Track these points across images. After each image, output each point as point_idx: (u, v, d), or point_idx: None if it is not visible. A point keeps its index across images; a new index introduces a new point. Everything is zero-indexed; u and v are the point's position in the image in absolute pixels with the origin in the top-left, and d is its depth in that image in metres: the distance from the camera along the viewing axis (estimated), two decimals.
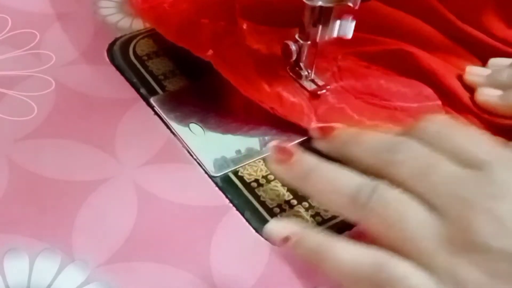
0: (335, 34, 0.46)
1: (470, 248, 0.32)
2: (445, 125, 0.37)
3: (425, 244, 0.33)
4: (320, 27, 0.46)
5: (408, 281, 0.33)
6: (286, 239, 0.36)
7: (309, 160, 0.38)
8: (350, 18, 0.46)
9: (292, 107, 0.47)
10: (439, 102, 0.49)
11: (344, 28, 0.46)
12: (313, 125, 0.42)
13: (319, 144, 0.41)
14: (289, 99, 0.47)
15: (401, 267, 0.33)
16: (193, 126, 0.46)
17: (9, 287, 0.37)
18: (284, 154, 0.39)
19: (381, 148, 0.37)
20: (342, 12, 0.45)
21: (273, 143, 0.40)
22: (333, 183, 0.37)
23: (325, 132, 0.41)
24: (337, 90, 0.49)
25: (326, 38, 0.46)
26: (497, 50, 0.51)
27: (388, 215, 0.34)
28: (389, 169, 0.36)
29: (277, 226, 0.37)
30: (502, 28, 0.51)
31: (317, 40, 0.46)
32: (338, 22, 0.46)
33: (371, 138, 0.38)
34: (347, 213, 0.36)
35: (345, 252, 0.34)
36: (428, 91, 0.49)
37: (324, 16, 0.46)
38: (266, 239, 0.40)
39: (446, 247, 0.33)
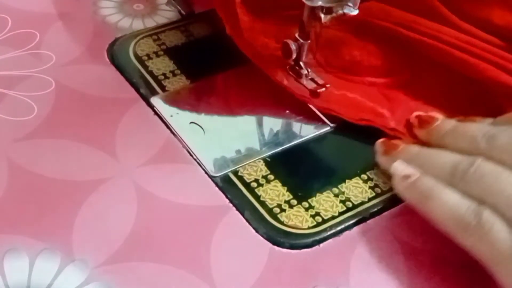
0: (341, 11, 0.46)
1: None
2: None
3: None
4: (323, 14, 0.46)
5: (491, 226, 0.37)
6: (406, 177, 0.41)
7: (411, 148, 0.44)
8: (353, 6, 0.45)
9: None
10: (407, 76, 0.50)
11: (348, 11, 0.45)
12: (394, 125, 0.47)
13: (419, 133, 0.46)
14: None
15: (490, 217, 0.37)
16: (193, 126, 0.46)
17: (9, 287, 0.37)
18: (390, 146, 0.45)
19: (478, 138, 0.42)
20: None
21: (380, 140, 0.45)
22: (435, 161, 0.42)
23: (425, 122, 0.46)
24: (310, 63, 0.49)
25: (335, 13, 0.46)
26: (493, 44, 0.50)
27: (484, 185, 0.39)
28: (490, 155, 0.40)
29: (402, 166, 0.42)
30: (503, 15, 0.50)
31: (322, 20, 0.46)
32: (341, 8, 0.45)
33: (467, 129, 0.43)
34: (451, 184, 0.40)
35: (450, 195, 0.39)
36: (399, 64, 0.50)
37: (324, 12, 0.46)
38: (271, 242, 0.40)
39: None
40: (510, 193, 0.38)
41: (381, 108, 0.48)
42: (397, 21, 0.51)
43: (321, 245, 0.41)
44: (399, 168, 0.43)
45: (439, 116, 0.46)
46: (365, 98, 0.49)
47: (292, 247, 0.40)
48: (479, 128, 0.42)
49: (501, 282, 0.37)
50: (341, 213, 0.42)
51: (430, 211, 0.40)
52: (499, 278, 0.37)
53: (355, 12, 0.45)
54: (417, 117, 0.46)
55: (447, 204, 0.39)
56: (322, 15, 0.45)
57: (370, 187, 0.44)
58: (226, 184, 0.43)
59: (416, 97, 0.50)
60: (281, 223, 0.41)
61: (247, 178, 0.44)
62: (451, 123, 0.45)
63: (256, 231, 0.41)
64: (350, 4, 0.44)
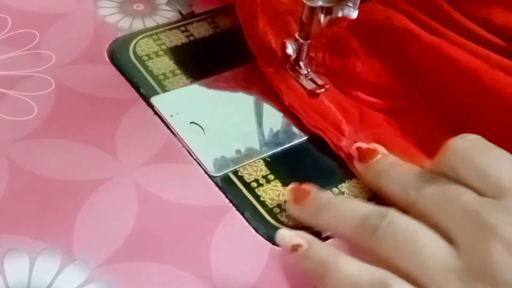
0: (339, 14, 0.46)
1: (482, 279, 0.32)
2: (468, 148, 0.37)
3: (437, 273, 0.33)
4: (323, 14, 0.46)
5: None
6: (295, 247, 0.36)
7: (323, 195, 0.40)
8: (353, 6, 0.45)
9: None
10: (399, 104, 0.49)
11: (348, 12, 0.45)
12: (352, 145, 0.44)
13: (358, 167, 0.43)
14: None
15: (399, 286, 0.33)
16: (193, 126, 0.46)
17: (9, 287, 0.37)
18: (300, 193, 0.40)
19: (409, 183, 0.38)
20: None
21: (290, 185, 0.41)
22: (342, 215, 0.38)
23: (364, 155, 0.42)
24: (311, 62, 0.49)
25: (333, 16, 0.46)
26: (493, 43, 0.50)
27: (398, 243, 0.34)
28: (417, 204, 0.37)
29: (288, 234, 0.37)
30: (503, 14, 0.50)
31: (321, 22, 0.46)
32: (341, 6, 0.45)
33: (402, 173, 0.40)
34: (358, 243, 0.36)
35: (350, 266, 0.35)
36: (399, 88, 0.49)
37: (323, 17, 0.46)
38: (271, 242, 0.40)
39: (458, 277, 0.32)
40: (425, 259, 0.33)
41: (346, 125, 0.47)
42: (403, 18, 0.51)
43: None
44: (285, 237, 0.37)
45: (380, 150, 0.42)
46: (339, 111, 0.48)
47: None
48: (412, 174, 0.39)
49: None
50: None
51: (329, 287, 0.35)
52: None
53: (355, 13, 0.45)
54: (357, 148, 0.43)
55: (347, 277, 0.34)
56: (322, 16, 0.45)
57: (370, 187, 0.44)
58: (226, 184, 0.43)
59: (395, 126, 0.48)
60: (281, 223, 0.41)
61: (247, 178, 0.44)
62: (388, 160, 0.41)
63: (256, 231, 0.41)
64: (350, 4, 0.44)
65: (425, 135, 0.47)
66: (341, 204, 0.39)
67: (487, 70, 0.46)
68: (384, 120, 0.48)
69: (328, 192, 0.41)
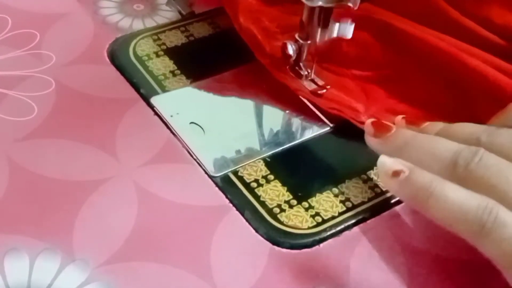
0: (335, 34, 0.46)
1: None
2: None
3: None
4: (320, 29, 0.46)
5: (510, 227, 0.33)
6: (397, 173, 0.36)
7: (406, 132, 0.40)
8: (349, 20, 0.46)
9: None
10: (391, 72, 0.49)
11: (344, 29, 0.46)
12: (367, 120, 0.43)
13: (372, 142, 0.41)
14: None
15: (508, 215, 0.34)
16: (193, 126, 0.46)
17: (9, 287, 0.37)
18: (380, 128, 0.40)
19: (474, 136, 0.38)
20: (340, 15, 0.46)
21: (369, 119, 0.41)
22: (432, 150, 0.38)
23: (380, 130, 0.41)
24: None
25: (326, 38, 0.47)
26: (492, 42, 0.50)
27: (491, 176, 0.35)
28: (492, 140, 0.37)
29: (390, 160, 0.37)
30: (502, 14, 0.50)
31: (317, 41, 0.47)
32: (337, 24, 0.46)
33: (436, 143, 0.39)
34: (449, 177, 0.36)
35: (456, 191, 0.35)
36: (385, 58, 0.49)
37: (323, 17, 0.46)
38: (271, 242, 0.40)
39: None
40: None
41: (356, 103, 0.48)
42: (395, 18, 0.51)
43: (321, 245, 0.41)
44: (386, 163, 0.38)
45: (393, 125, 0.41)
46: (343, 92, 0.48)
47: (292, 247, 0.40)
48: (472, 129, 0.39)
49: None
50: (341, 213, 0.42)
51: (432, 211, 0.36)
52: None
53: (351, 29, 0.45)
54: (372, 123, 0.42)
55: (454, 201, 0.35)
56: (318, 33, 0.46)
57: (370, 187, 0.44)
58: (226, 184, 0.43)
59: (396, 94, 0.49)
60: (281, 223, 0.41)
61: (247, 178, 0.44)
62: (407, 133, 0.40)
63: (256, 231, 0.41)
64: (350, 4, 0.44)
65: (427, 97, 0.48)
66: (429, 139, 0.39)
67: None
68: (384, 91, 0.49)
69: (409, 130, 0.40)
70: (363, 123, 0.45)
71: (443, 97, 0.48)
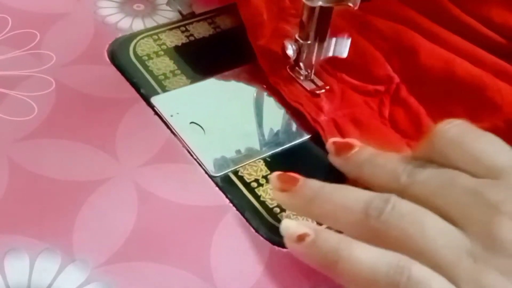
0: (330, 54, 0.47)
1: (494, 254, 0.32)
2: (458, 134, 0.36)
3: (447, 253, 0.32)
4: (316, 45, 0.46)
5: (428, 284, 0.32)
6: (302, 237, 0.35)
7: (313, 183, 0.38)
8: (346, 36, 0.46)
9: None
10: (381, 88, 0.49)
11: (340, 46, 0.46)
12: (329, 139, 0.41)
13: (335, 161, 0.40)
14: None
15: (422, 271, 0.32)
16: (193, 126, 0.46)
17: (9, 287, 0.37)
18: (287, 182, 0.38)
19: (399, 170, 0.36)
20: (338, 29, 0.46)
21: (275, 173, 0.39)
22: (342, 201, 0.36)
23: (341, 149, 0.40)
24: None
25: (322, 57, 0.47)
26: (493, 40, 0.50)
27: (405, 227, 0.33)
28: (410, 190, 0.35)
29: (293, 224, 0.36)
30: (501, 13, 0.50)
31: (313, 61, 0.47)
32: (334, 40, 0.46)
33: (388, 160, 0.38)
34: (360, 230, 0.35)
35: (364, 251, 0.33)
36: (382, 73, 0.49)
37: (323, 17, 0.46)
38: (271, 242, 0.40)
39: (469, 255, 0.32)
40: (434, 240, 0.33)
41: (326, 102, 0.48)
42: (399, 18, 0.51)
43: None
44: (290, 227, 0.36)
45: (357, 143, 0.40)
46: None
47: None
48: (399, 161, 0.37)
49: None
50: None
51: (343, 276, 0.33)
52: None
53: (346, 48, 0.46)
54: (334, 143, 0.40)
55: (363, 263, 0.33)
56: (315, 51, 0.46)
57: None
58: (226, 184, 0.43)
59: (374, 109, 0.49)
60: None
61: (247, 178, 0.44)
62: (368, 151, 0.39)
63: (256, 231, 0.41)
64: (350, 4, 0.44)
65: (403, 119, 0.48)
66: (337, 191, 0.37)
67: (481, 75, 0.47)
68: (364, 102, 0.49)
69: (315, 180, 0.38)
70: (316, 122, 0.46)
71: (422, 124, 0.47)
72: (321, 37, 0.46)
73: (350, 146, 0.39)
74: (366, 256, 0.33)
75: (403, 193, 0.36)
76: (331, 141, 0.40)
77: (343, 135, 0.45)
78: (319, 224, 0.38)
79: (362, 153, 0.39)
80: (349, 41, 0.46)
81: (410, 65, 0.49)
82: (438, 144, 0.36)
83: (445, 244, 0.33)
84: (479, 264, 0.32)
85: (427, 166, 0.36)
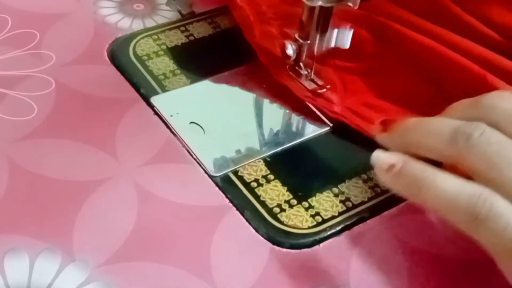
0: (332, 44, 0.47)
1: None
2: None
3: None
4: (318, 36, 0.46)
5: (507, 217, 0.33)
6: (391, 167, 0.36)
7: (409, 119, 0.39)
8: (348, 26, 0.46)
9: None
10: (374, 64, 0.50)
11: (342, 37, 0.46)
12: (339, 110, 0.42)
13: (382, 139, 0.41)
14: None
15: (502, 203, 0.33)
16: (193, 126, 0.46)
17: (9, 287, 0.37)
18: (387, 122, 0.40)
19: (451, 131, 0.37)
20: (340, 17, 0.46)
21: (378, 120, 0.41)
22: (431, 129, 0.37)
23: (386, 125, 0.40)
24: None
25: (324, 48, 0.47)
26: (492, 39, 0.50)
27: (491, 155, 0.34)
28: (490, 115, 0.36)
29: (383, 155, 0.37)
30: (501, 13, 0.51)
31: (315, 51, 0.47)
32: (335, 30, 0.46)
33: (437, 121, 0.38)
34: (448, 154, 0.36)
35: (448, 181, 0.34)
36: (371, 50, 0.50)
37: (323, 17, 0.46)
38: (271, 242, 0.40)
39: None
40: None
41: (331, 94, 0.48)
42: (395, 17, 0.51)
43: (321, 245, 0.41)
44: (380, 157, 0.37)
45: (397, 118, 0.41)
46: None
47: (292, 247, 0.40)
48: (447, 123, 0.37)
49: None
50: (341, 213, 0.42)
51: (426, 201, 0.35)
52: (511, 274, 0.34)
53: (348, 38, 0.46)
54: (381, 122, 0.41)
55: (446, 191, 0.34)
56: (316, 43, 0.46)
57: (370, 187, 0.44)
58: (226, 184, 0.43)
59: (375, 88, 0.49)
60: (281, 223, 0.41)
61: (247, 178, 0.44)
62: (413, 119, 0.39)
63: (256, 231, 0.41)
64: (350, 4, 0.44)
65: (405, 92, 0.48)
66: (429, 120, 0.38)
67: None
68: (363, 83, 0.49)
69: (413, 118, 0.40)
70: (335, 113, 0.46)
71: (421, 92, 0.48)
72: (322, 31, 0.46)
73: (393, 120, 0.40)
74: (448, 184, 0.34)
75: (463, 152, 0.36)
76: (378, 121, 0.41)
77: (364, 118, 0.46)
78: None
79: (406, 121, 0.39)
80: (351, 32, 0.46)
81: (396, 45, 0.50)
82: (490, 112, 0.36)
83: None
84: None
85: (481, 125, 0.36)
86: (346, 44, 0.47)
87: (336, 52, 0.50)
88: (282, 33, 0.51)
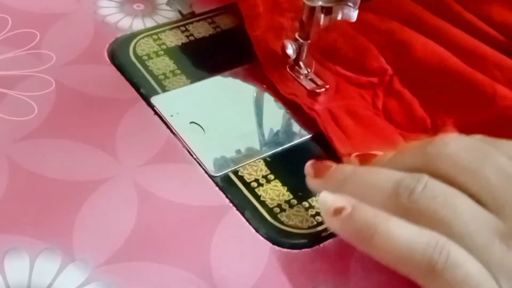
0: (339, 17, 0.46)
1: None
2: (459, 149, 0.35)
3: (480, 238, 0.32)
4: (323, 15, 0.46)
5: (465, 268, 0.31)
6: (338, 210, 0.34)
7: (345, 168, 0.38)
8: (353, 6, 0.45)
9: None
10: (375, 80, 0.50)
11: (348, 12, 0.45)
12: (307, 164, 0.41)
13: (312, 184, 0.40)
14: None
15: (460, 253, 0.32)
16: (193, 126, 0.46)
17: (10, 287, 0.37)
18: (321, 167, 0.38)
19: (393, 185, 0.35)
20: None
21: (309, 162, 0.39)
22: (372, 181, 0.35)
23: (319, 171, 0.39)
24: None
25: (329, 21, 0.46)
26: (493, 38, 0.50)
27: (437, 208, 0.33)
28: (435, 164, 0.35)
29: (331, 197, 0.35)
30: (501, 12, 0.51)
31: (321, 24, 0.46)
32: (342, 7, 0.46)
33: (377, 173, 0.36)
34: (392, 209, 0.34)
35: (401, 228, 0.33)
36: (376, 65, 0.50)
37: (323, 16, 0.46)
38: (271, 242, 0.40)
39: (502, 239, 0.32)
40: (466, 224, 0.32)
41: (320, 94, 0.48)
42: (399, 17, 0.51)
43: (321, 245, 0.41)
44: (327, 200, 0.35)
45: (332, 164, 0.39)
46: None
47: (292, 247, 0.40)
48: (388, 175, 0.36)
49: None
50: None
51: (377, 250, 0.33)
52: None
53: (355, 13, 0.45)
54: (311, 165, 0.39)
55: (400, 239, 0.32)
56: (322, 17, 0.46)
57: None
58: (226, 184, 0.43)
59: (368, 101, 0.49)
60: (281, 223, 0.41)
61: (247, 178, 0.44)
62: (348, 167, 0.38)
63: (256, 231, 0.41)
64: (350, 4, 0.44)
65: (397, 110, 0.48)
66: (369, 172, 0.36)
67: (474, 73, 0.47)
68: (358, 94, 0.49)
69: (348, 165, 0.39)
70: (311, 109, 0.46)
71: (415, 116, 0.48)
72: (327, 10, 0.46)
73: (326, 167, 0.39)
74: (402, 232, 0.33)
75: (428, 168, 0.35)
76: (308, 164, 0.40)
77: (338, 125, 0.46)
78: None
79: (342, 170, 0.38)
80: (356, 11, 0.45)
81: (403, 58, 0.50)
82: (435, 160, 0.35)
83: (477, 228, 0.32)
84: None
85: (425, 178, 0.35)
86: (353, 17, 0.45)
87: (341, 59, 0.50)
88: (292, 26, 0.51)
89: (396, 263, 0.33)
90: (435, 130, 0.47)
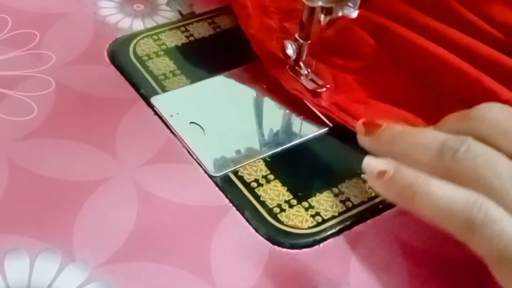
0: (340, 14, 0.46)
1: None
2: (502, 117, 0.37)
3: None
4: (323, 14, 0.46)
5: (502, 224, 0.33)
6: (382, 173, 0.36)
7: (395, 127, 0.39)
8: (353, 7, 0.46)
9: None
10: (369, 64, 0.50)
11: (348, 13, 0.46)
12: (359, 121, 0.42)
13: (364, 141, 0.41)
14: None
15: (498, 211, 0.33)
16: (193, 126, 0.46)
17: (9, 287, 0.37)
18: (372, 125, 0.40)
19: (438, 145, 0.37)
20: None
21: (360, 120, 0.41)
22: (419, 141, 0.37)
23: (370, 128, 0.41)
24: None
25: (329, 18, 0.47)
26: (493, 37, 0.50)
27: (477, 168, 0.35)
28: (478, 127, 0.37)
29: (374, 161, 0.38)
30: (502, 11, 0.51)
31: (322, 22, 0.47)
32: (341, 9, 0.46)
33: (424, 134, 0.38)
34: (435, 168, 0.36)
35: (442, 187, 0.35)
36: (367, 49, 0.50)
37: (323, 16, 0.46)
38: (271, 242, 0.40)
39: None
40: (503, 183, 0.34)
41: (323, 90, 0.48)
42: (398, 15, 0.51)
43: (321, 245, 0.41)
44: (371, 164, 0.38)
45: (382, 122, 0.40)
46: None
47: (292, 247, 0.40)
48: (434, 135, 0.38)
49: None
50: (341, 213, 0.42)
51: (419, 209, 0.35)
52: (504, 281, 0.34)
53: (355, 13, 0.45)
54: (363, 123, 0.41)
55: (440, 198, 0.34)
56: (322, 17, 0.46)
57: (370, 187, 0.44)
58: (226, 184, 0.43)
59: (366, 87, 0.50)
60: (281, 223, 0.41)
61: (247, 178, 0.44)
62: (398, 127, 0.40)
63: (256, 231, 0.41)
64: (350, 4, 0.44)
65: (397, 93, 0.49)
66: (417, 131, 0.38)
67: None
68: (356, 82, 0.50)
69: (397, 124, 0.40)
70: (322, 107, 0.47)
71: (414, 93, 0.48)
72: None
73: (378, 125, 0.40)
74: (443, 191, 0.35)
75: (446, 169, 0.36)
76: (360, 122, 0.41)
77: (350, 114, 0.46)
78: None
79: (391, 129, 0.40)
80: (356, 11, 0.46)
81: (394, 45, 0.50)
82: (479, 123, 0.37)
83: None
84: None
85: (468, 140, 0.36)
86: (354, 13, 0.46)
87: (333, 49, 0.50)
88: (281, 27, 0.51)
89: (438, 220, 0.35)
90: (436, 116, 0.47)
